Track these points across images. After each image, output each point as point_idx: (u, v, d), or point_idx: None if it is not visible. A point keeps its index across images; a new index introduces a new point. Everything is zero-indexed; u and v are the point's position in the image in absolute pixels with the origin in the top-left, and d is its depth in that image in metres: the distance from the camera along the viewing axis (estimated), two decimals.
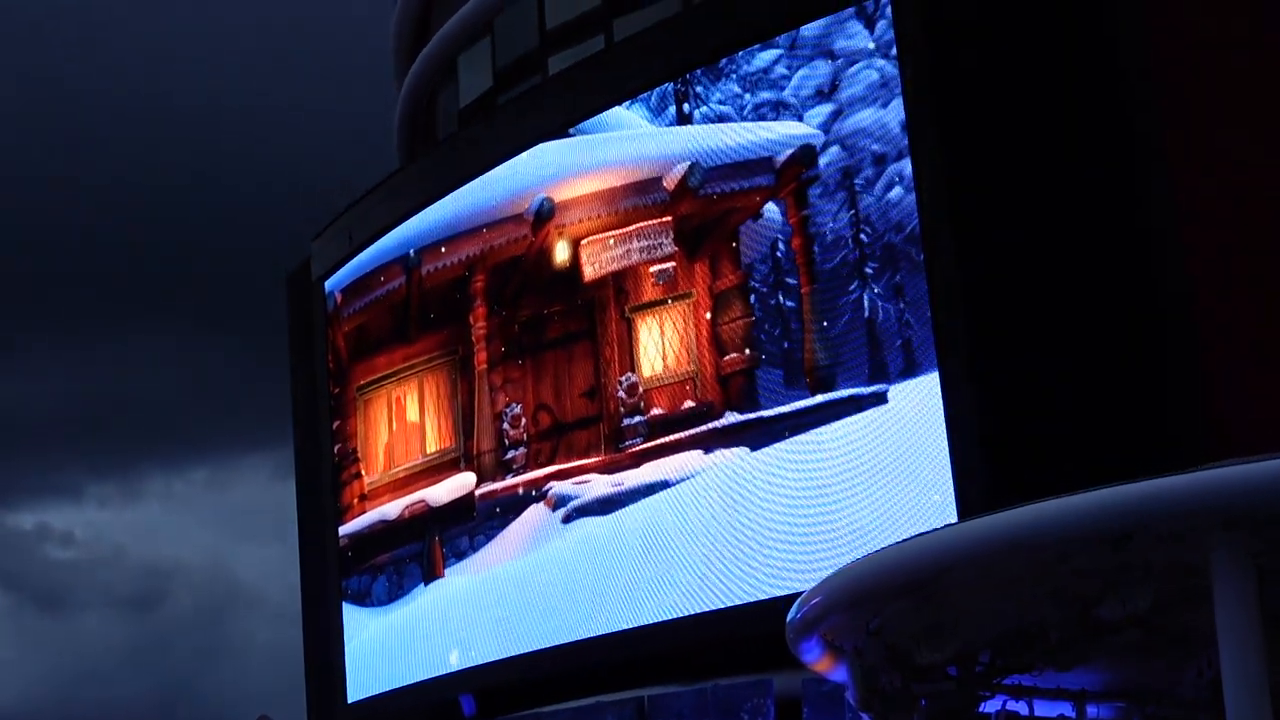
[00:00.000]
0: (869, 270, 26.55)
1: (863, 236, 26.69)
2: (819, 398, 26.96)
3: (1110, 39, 26.39)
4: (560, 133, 31.20)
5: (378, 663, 33.96)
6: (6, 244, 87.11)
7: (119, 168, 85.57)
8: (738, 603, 27.14)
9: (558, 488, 30.58)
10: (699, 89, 29.08)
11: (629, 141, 30.11)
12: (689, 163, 29.08)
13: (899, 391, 25.98)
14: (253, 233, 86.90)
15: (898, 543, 17.24)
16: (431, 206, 33.28)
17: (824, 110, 27.46)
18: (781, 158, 27.85)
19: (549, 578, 30.36)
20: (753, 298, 28.15)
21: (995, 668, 17.65)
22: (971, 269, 25.48)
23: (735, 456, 27.93)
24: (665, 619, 28.19)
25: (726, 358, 28.46)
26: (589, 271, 30.47)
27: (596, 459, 30.14)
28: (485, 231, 32.24)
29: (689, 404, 28.93)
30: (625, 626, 28.73)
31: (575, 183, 30.83)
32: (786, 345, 27.59)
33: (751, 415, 27.87)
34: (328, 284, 36.05)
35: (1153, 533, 14.49)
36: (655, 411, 29.38)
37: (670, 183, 29.34)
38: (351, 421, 35.18)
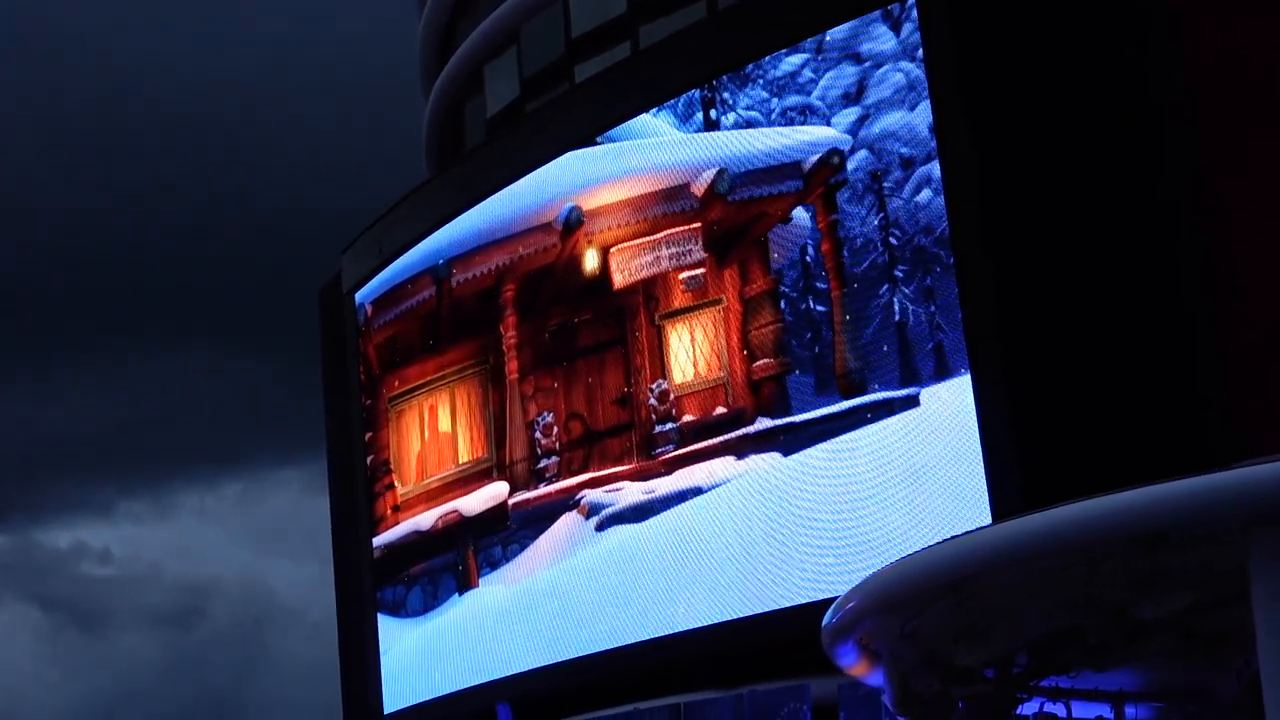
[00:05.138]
0: (899, 273, 26.51)
1: (892, 240, 26.65)
2: (851, 402, 26.92)
3: (1140, 39, 26.31)
4: (588, 141, 31.20)
5: (414, 673, 33.99)
6: (37, 264, 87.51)
7: (148, 186, 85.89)
8: (773, 608, 27.09)
9: (590, 496, 30.57)
10: (726, 95, 29.07)
11: (657, 148, 30.11)
12: (717, 169, 29.06)
13: (931, 394, 25.93)
14: (283, 247, 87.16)
15: (932, 545, 17.20)
16: (460, 217, 33.32)
17: (851, 114, 27.43)
18: (810, 162, 27.83)
19: (583, 586, 30.35)
20: (783, 303, 28.12)
21: (1032, 670, 17.60)
22: (1002, 270, 25.41)
23: (767, 462, 27.89)
24: (700, 625, 28.16)
25: (757, 363, 28.43)
26: (619, 279, 30.47)
27: (629, 466, 30.12)
28: (514, 241, 32.25)
29: (720, 410, 28.90)
30: (660, 633, 28.71)
31: (603, 191, 30.84)
32: (817, 350, 27.55)
33: (783, 420, 27.84)
34: (358, 296, 36.11)
35: (1189, 532, 14.42)
36: (687, 418, 29.36)
37: (699, 189, 29.33)
38: (384, 433, 35.22)
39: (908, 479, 25.83)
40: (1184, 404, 24.95)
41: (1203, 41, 25.83)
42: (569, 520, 30.89)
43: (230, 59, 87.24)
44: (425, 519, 33.79)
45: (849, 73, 27.48)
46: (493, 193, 32.65)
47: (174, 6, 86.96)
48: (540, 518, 31.41)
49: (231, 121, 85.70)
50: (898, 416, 26.26)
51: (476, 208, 32.99)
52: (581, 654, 29.98)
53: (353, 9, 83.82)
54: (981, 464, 24.83)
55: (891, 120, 26.80)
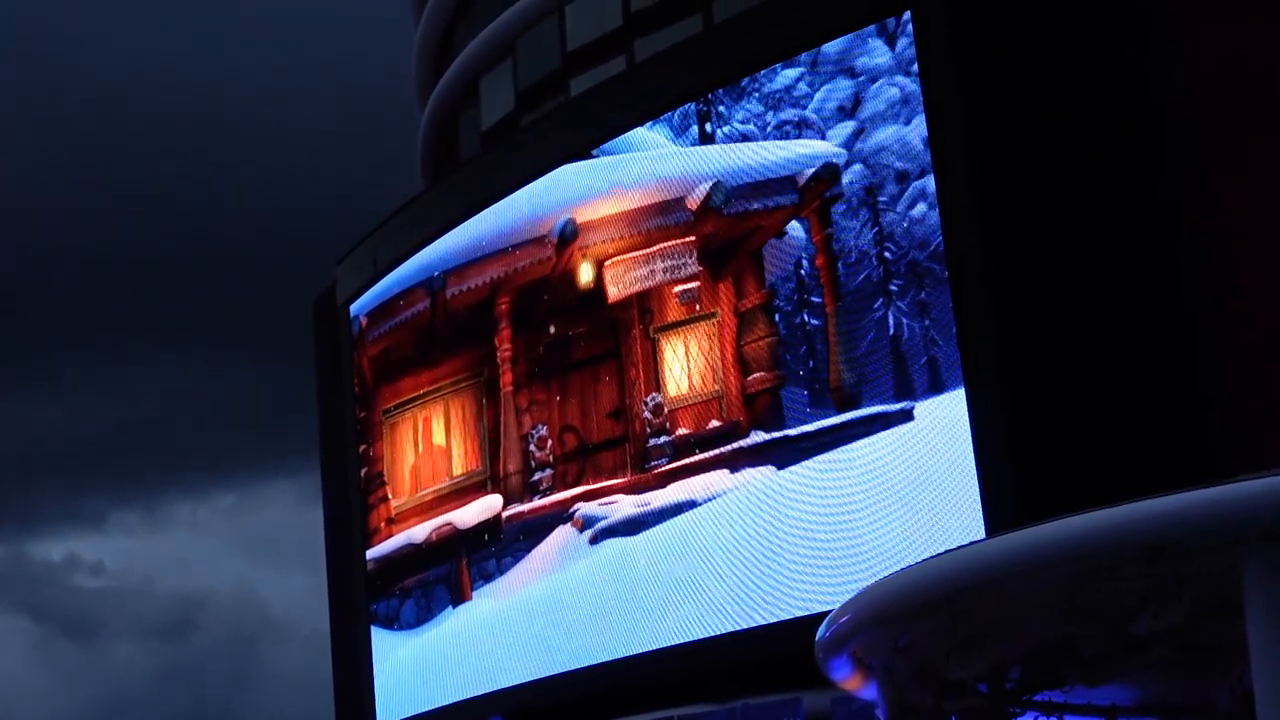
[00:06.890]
0: (893, 288, 26.52)
1: (886, 254, 26.66)
2: (845, 416, 26.92)
3: (1140, 39, 26.27)
4: (583, 154, 31.22)
5: (407, 686, 33.95)
6: (31, 271, 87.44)
7: (148, 186, 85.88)
8: (766, 621, 27.08)
9: (585, 509, 30.56)
10: (721, 108, 29.09)
11: (652, 162, 30.13)
12: (712, 182, 29.08)
13: (925, 408, 25.92)
14: (282, 248, 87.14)
15: (926, 559, 17.18)
16: (455, 229, 33.32)
17: (846, 128, 27.45)
18: (804, 176, 27.85)
19: (577, 599, 30.33)
20: (777, 317, 28.13)
21: (1026, 684, 17.59)
22: (996, 284, 25.41)
23: (761, 476, 27.88)
24: (694, 639, 28.14)
25: (751, 377, 28.43)
26: (613, 292, 30.47)
27: (623, 480, 30.12)
28: (509, 254, 32.27)
29: (715, 424, 28.89)
30: (654, 647, 28.68)
31: (599, 204, 30.85)
32: (811, 364, 27.55)
33: (777, 434, 27.83)
34: (353, 308, 36.10)
35: (1185, 546, 14.40)
36: (681, 431, 29.35)
37: (693, 202, 29.34)
38: (378, 445, 35.20)
39: (902, 493, 25.83)
40: (1184, 406, 24.90)
41: (1203, 41, 25.79)
42: (563, 533, 30.87)
43: (230, 59, 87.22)
44: (419, 532, 33.77)
45: (844, 87, 27.51)
46: (488, 205, 32.66)
47: (174, 6, 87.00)
48: (534, 530, 31.39)
49: (231, 121, 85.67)
50: (892, 430, 26.26)
51: (471, 220, 32.99)
52: (575, 667, 29.95)
53: (353, 10, 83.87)
54: (976, 477, 24.82)
55: (886, 134, 26.83)
